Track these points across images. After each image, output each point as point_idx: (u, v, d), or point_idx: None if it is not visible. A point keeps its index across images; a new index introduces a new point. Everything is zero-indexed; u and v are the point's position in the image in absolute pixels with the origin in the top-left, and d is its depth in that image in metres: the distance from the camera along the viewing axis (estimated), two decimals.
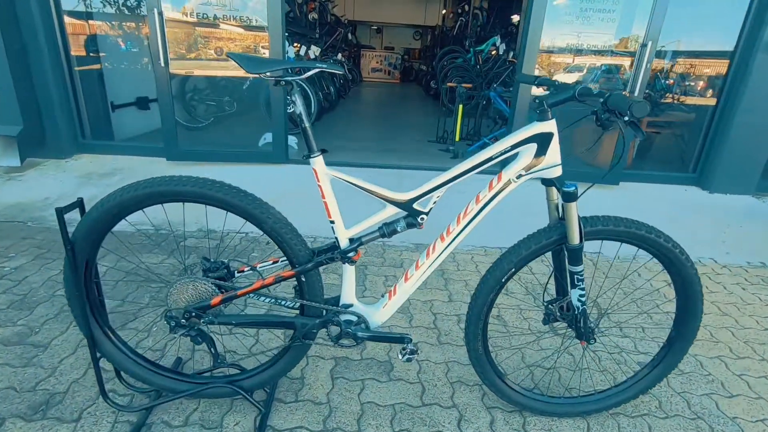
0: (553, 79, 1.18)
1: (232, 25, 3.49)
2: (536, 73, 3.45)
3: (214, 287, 1.17)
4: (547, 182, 1.13)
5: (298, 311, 1.26)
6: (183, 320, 1.16)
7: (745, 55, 3.34)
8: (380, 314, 1.23)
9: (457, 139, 4.37)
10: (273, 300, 1.23)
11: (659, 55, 3.54)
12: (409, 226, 1.14)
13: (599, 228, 1.14)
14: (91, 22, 3.67)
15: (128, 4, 3.69)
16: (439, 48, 10.48)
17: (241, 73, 4.52)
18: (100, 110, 3.85)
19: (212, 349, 1.24)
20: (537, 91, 3.37)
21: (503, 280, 1.21)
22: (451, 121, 4.76)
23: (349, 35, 11.65)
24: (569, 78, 3.87)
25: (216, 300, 1.14)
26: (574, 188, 1.06)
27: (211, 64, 3.76)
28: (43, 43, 3.24)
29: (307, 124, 1.05)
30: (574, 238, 1.11)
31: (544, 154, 1.07)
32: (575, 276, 1.16)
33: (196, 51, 3.59)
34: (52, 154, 3.54)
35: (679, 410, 1.48)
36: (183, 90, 4.08)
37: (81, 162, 3.57)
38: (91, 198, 2.95)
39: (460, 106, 4.22)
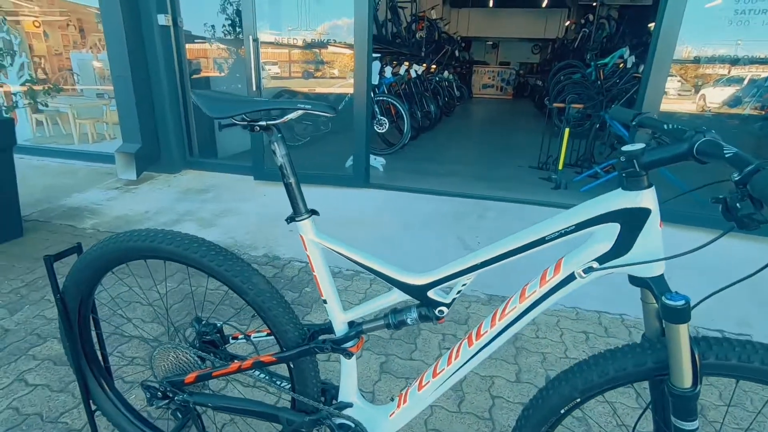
0: (661, 118, 0.76)
1: (333, 46, 3.50)
2: (672, 89, 2.78)
3: (196, 358, 1.00)
4: (640, 282, 0.72)
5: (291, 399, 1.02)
6: (159, 393, 1.01)
7: None
8: (386, 424, 0.93)
9: (560, 167, 3.78)
10: (266, 377, 1.02)
11: None
12: (423, 319, 0.84)
13: (724, 363, 0.70)
14: (202, 46, 4.03)
15: (233, 28, 3.97)
16: (558, 62, 9.60)
17: (337, 90, 4.59)
18: (207, 130, 4.19)
19: (197, 426, 1.08)
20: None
21: (562, 412, 0.82)
22: (556, 144, 4.17)
23: (457, 52, 11.38)
24: (719, 95, 3.08)
25: (190, 378, 0.97)
26: (684, 303, 0.64)
27: (307, 83, 3.84)
28: (162, 71, 3.62)
29: (292, 179, 0.83)
30: (682, 379, 0.69)
31: (633, 242, 0.68)
32: None
33: (290, 70, 3.70)
34: (165, 170, 3.92)
35: None
36: None
37: (186, 177, 3.89)
38: (185, 212, 3.16)
39: (566, 130, 3.65)
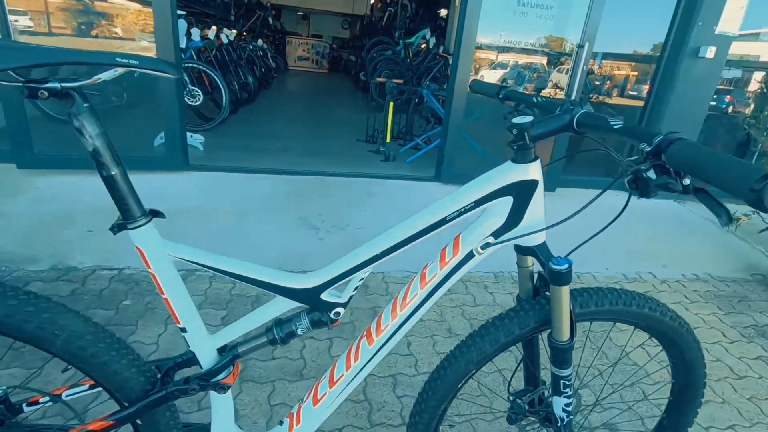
0: (513, 87, 0.80)
1: None
2: (471, 75, 3.16)
3: None
4: (525, 251, 0.75)
5: None
6: None
7: (671, 63, 3.33)
8: None
9: (387, 139, 3.98)
10: None
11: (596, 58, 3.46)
12: (316, 325, 0.71)
13: (592, 309, 0.80)
14: None
15: None
16: (368, 38, 10.02)
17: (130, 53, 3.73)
18: None
19: None
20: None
21: (459, 386, 0.83)
22: (381, 118, 4.37)
23: (271, 20, 10.76)
24: (494, 76, 3.66)
25: None
26: (567, 266, 0.69)
27: (79, 43, 2.98)
28: None
29: (115, 170, 0.57)
30: (562, 334, 0.75)
31: (523, 213, 0.69)
32: (561, 381, 0.81)
33: (49, 24, 2.81)
34: None
35: None
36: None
37: None
38: None
39: (391, 104, 3.83)
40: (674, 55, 3.31)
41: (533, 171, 0.67)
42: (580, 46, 2.98)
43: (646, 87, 3.73)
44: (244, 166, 3.21)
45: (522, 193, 0.68)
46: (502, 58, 3.51)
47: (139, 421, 0.69)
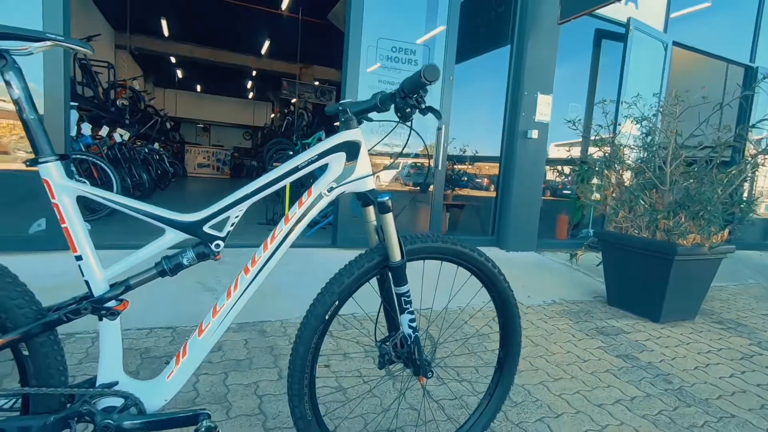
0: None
1: None
2: None
3: None
4: (363, 199, 1.04)
5: (18, 412, 0.80)
6: None
7: (508, 159, 4.29)
8: (164, 388, 0.87)
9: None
10: None
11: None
12: (200, 257, 0.89)
13: (419, 246, 1.09)
14: None
15: None
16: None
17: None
18: None
19: None
20: None
21: (327, 317, 1.02)
22: (280, 204, 4.68)
23: (168, 124, 11.02)
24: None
25: None
26: (387, 197, 0.99)
27: None
28: None
29: (30, 115, 0.76)
30: (395, 254, 1.02)
31: (354, 165, 1.00)
32: (402, 298, 1.05)
33: None
34: None
35: None
36: None
37: None
38: None
39: (287, 186, 4.18)
40: (511, 135, 4.27)
41: (355, 135, 0.99)
42: (438, 129, 3.73)
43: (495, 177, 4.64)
44: (134, 244, 3.15)
45: (350, 149, 0.99)
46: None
47: (26, 349, 0.76)
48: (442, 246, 1.12)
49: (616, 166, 3.11)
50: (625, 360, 2.17)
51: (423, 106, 0.91)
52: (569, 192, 5.43)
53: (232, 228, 0.92)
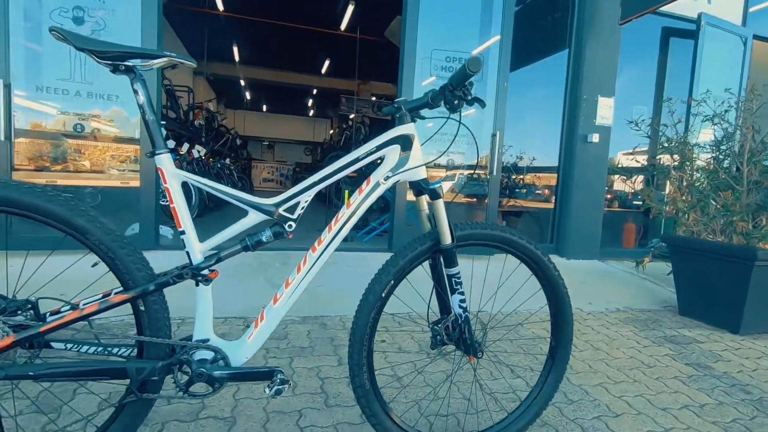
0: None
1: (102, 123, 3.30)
2: None
3: (3, 328, 0.87)
4: (416, 188, 1.14)
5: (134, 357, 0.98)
6: None
7: (567, 165, 4.19)
8: (245, 347, 1.02)
9: None
10: (97, 347, 0.95)
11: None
12: (276, 235, 1.04)
13: (469, 232, 1.17)
14: None
15: None
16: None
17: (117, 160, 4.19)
18: None
19: None
20: None
21: (383, 295, 1.12)
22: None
23: (237, 141, 11.89)
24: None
25: (4, 342, 0.84)
26: (438, 185, 1.09)
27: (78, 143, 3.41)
28: None
29: (150, 117, 0.95)
30: (446, 238, 1.11)
31: (408, 156, 1.10)
32: (453, 279, 1.13)
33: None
34: None
35: None
36: None
37: None
38: None
39: (346, 192, 4.39)
40: (570, 139, 4.18)
41: (408, 129, 1.10)
42: (493, 135, 3.75)
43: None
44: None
45: (404, 142, 1.10)
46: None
47: (142, 305, 0.94)
48: (490, 233, 1.18)
49: (686, 166, 2.95)
50: (696, 369, 2.05)
51: (469, 97, 1.00)
52: (639, 203, 5.12)
53: (302, 211, 1.06)
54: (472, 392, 1.64)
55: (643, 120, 3.00)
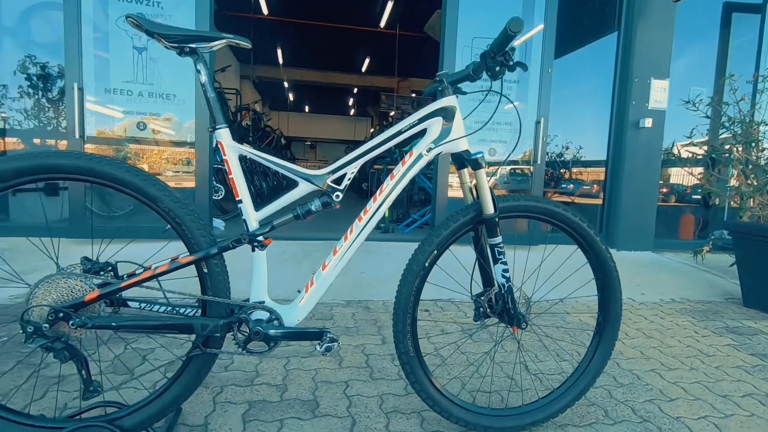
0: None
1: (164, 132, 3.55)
2: None
3: (91, 284, 0.98)
4: (458, 161, 1.16)
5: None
6: (45, 325, 0.93)
7: (616, 152, 4.01)
8: (298, 310, 1.09)
9: (387, 215, 4.49)
10: (167, 306, 1.05)
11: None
12: (325, 205, 1.09)
13: (511, 204, 1.17)
14: None
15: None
16: None
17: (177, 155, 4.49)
18: None
19: (83, 372, 0.99)
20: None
21: (426, 265, 1.16)
22: None
23: (282, 140, 12.29)
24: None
25: (92, 295, 0.95)
26: (480, 155, 1.10)
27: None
28: None
29: (211, 94, 1.03)
30: (488, 207, 1.12)
31: (450, 128, 1.13)
32: (496, 249, 1.14)
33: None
34: None
35: (626, 416, 1.39)
36: None
37: None
38: None
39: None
40: (620, 125, 4.00)
41: (450, 101, 1.12)
42: (537, 122, 3.67)
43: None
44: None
45: (446, 114, 1.12)
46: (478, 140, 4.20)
47: (205, 267, 1.03)
48: (534, 204, 1.18)
49: (751, 147, 2.75)
50: (763, 359, 1.92)
51: (511, 62, 1.00)
52: (698, 197, 4.79)
53: (348, 182, 1.11)
54: (516, 356, 1.63)
55: (701, 100, 2.83)
